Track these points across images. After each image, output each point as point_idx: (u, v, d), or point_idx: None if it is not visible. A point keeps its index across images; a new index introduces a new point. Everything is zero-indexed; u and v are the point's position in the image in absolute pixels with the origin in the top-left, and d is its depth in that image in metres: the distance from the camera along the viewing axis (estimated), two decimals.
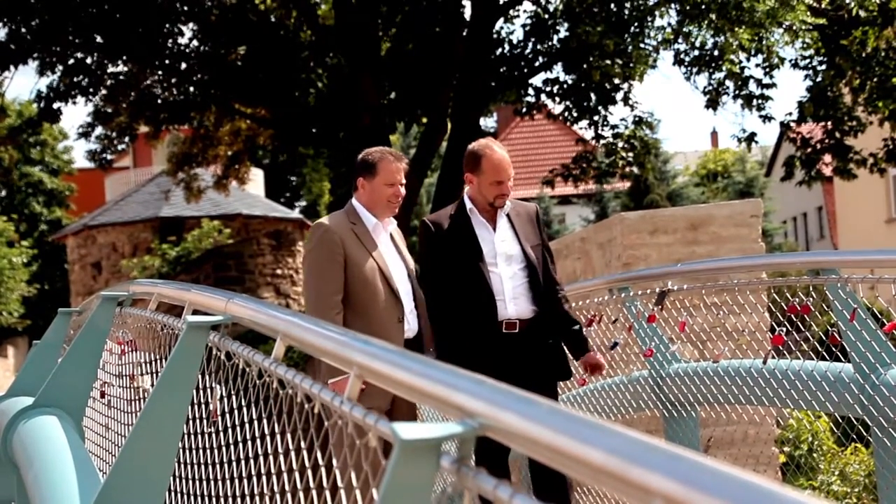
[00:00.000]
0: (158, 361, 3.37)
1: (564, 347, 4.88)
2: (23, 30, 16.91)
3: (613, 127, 17.37)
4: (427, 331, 4.78)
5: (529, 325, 4.75)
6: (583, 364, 4.91)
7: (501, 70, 17.45)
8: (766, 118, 16.51)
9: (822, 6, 15.12)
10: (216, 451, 2.71)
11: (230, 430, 2.61)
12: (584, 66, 15.74)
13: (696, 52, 15.91)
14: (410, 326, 4.66)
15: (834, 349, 5.09)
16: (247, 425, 2.49)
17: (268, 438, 2.30)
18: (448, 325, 4.73)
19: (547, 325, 4.79)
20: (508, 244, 4.82)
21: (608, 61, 15.15)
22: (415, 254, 5.06)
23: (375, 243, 4.67)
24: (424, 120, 18.82)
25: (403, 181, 4.70)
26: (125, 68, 18.16)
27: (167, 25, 17.61)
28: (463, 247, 4.76)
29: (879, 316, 5.08)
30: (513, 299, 4.73)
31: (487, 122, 35.70)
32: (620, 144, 17.30)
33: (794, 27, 14.49)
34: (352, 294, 4.55)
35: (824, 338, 5.20)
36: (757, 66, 16.19)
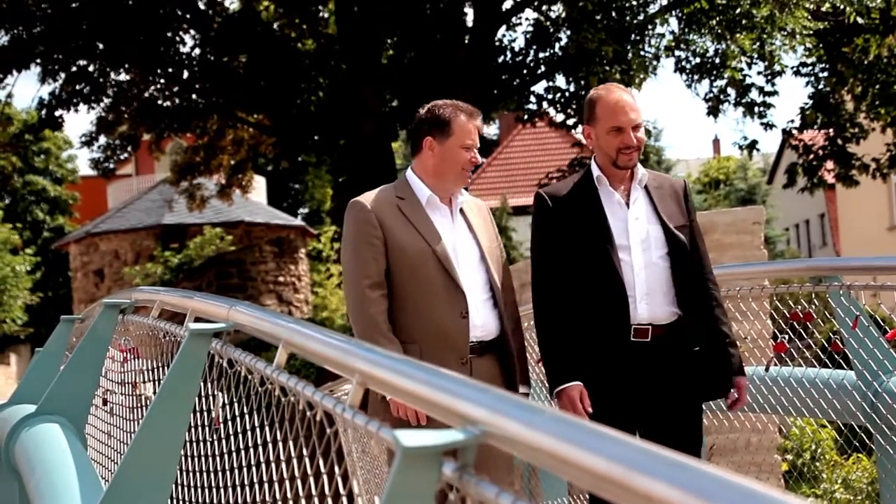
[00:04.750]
0: (161, 369, 3.37)
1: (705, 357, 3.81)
2: (25, 36, 16.94)
3: None
4: (514, 337, 3.80)
5: (665, 333, 3.71)
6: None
7: (503, 78, 17.47)
8: (768, 125, 16.51)
9: (823, 10, 15.13)
10: (218, 459, 2.70)
11: (232, 438, 2.61)
12: (584, 72, 15.76)
13: (698, 60, 15.93)
14: (480, 324, 3.69)
15: (836, 357, 5.09)
16: (249, 433, 2.49)
17: (270, 446, 2.30)
18: (559, 331, 3.72)
19: (690, 334, 3.73)
20: (644, 224, 3.78)
21: (607, 68, 15.17)
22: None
23: (430, 220, 3.73)
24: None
25: (478, 144, 3.81)
26: (127, 77, 18.19)
27: (169, 33, 17.63)
28: (585, 225, 3.74)
29: (882, 323, 5.08)
30: (645, 297, 3.70)
31: (490, 130, 35.73)
32: None
33: (795, 32, 14.50)
34: (397, 284, 3.67)
35: (827, 345, 5.19)
36: (759, 73, 16.20)
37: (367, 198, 3.78)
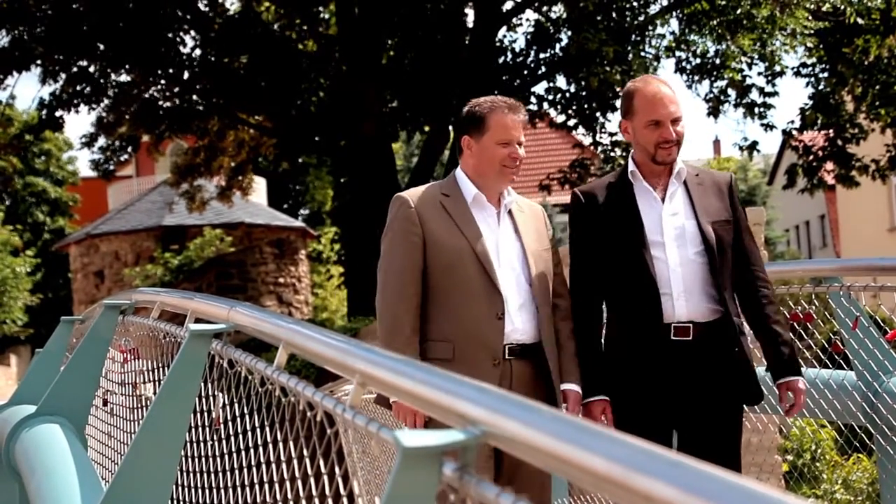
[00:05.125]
0: (161, 369, 3.37)
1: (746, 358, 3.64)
2: (26, 37, 16.95)
3: (612, 134, 17.41)
4: (567, 341, 3.68)
5: (707, 330, 3.56)
6: (783, 389, 3.66)
7: (504, 78, 17.48)
8: (769, 126, 16.52)
9: (823, 11, 15.14)
10: (219, 460, 2.70)
11: (233, 438, 2.61)
12: (584, 73, 15.78)
13: (698, 61, 15.93)
14: (517, 328, 3.59)
15: (837, 357, 5.09)
16: (249, 433, 2.49)
17: (270, 446, 2.30)
18: (590, 340, 3.64)
19: (732, 334, 3.58)
20: (681, 219, 3.63)
21: (608, 69, 15.18)
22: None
23: (473, 219, 3.66)
24: (427, 128, 18.84)
25: (522, 139, 3.69)
26: (128, 77, 18.20)
27: (170, 34, 17.64)
28: (618, 222, 3.63)
29: (882, 324, 5.07)
30: (683, 294, 3.55)
31: None
32: (619, 152, 17.32)
33: (795, 32, 14.52)
34: (432, 283, 3.60)
35: (827, 346, 5.19)
36: (759, 74, 16.21)
37: (411, 193, 3.71)
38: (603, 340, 3.70)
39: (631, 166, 3.69)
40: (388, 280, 3.60)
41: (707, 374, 3.56)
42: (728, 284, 3.60)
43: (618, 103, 17.15)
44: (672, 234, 3.60)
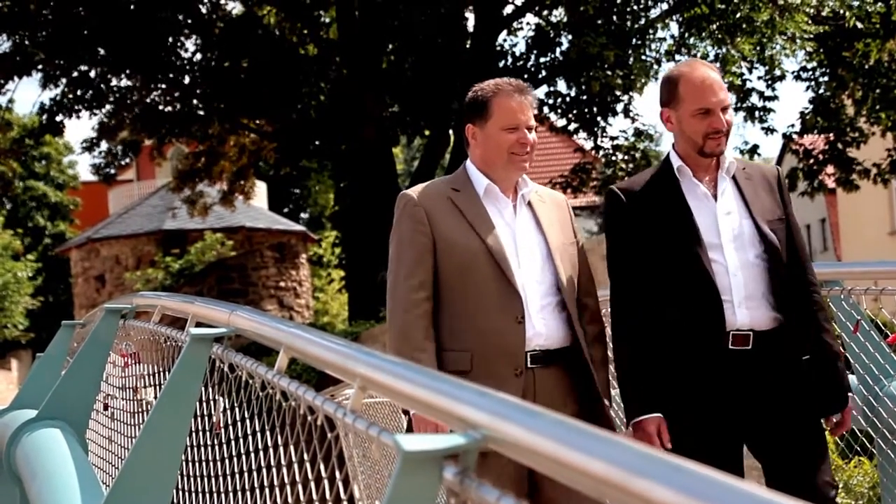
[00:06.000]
0: (162, 373, 3.37)
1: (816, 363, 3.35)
2: (27, 42, 16.97)
3: (613, 138, 17.43)
4: (595, 346, 3.38)
5: (768, 338, 3.28)
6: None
7: None
8: (769, 130, 16.54)
9: (823, 14, 15.16)
10: (219, 464, 2.70)
11: (233, 442, 2.61)
12: (585, 77, 15.80)
13: None
14: (540, 332, 3.27)
15: None
16: (250, 437, 2.49)
17: (271, 450, 2.30)
18: (638, 351, 3.30)
19: (796, 342, 3.31)
20: (737, 218, 3.33)
21: (609, 73, 15.19)
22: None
23: (485, 214, 3.33)
24: (427, 132, 18.85)
25: (532, 123, 3.35)
26: (129, 82, 18.23)
27: (171, 38, 17.66)
28: (668, 223, 3.30)
29: (883, 328, 5.07)
30: (744, 300, 3.26)
31: None
32: (620, 156, 17.34)
33: (795, 36, 14.53)
34: (444, 285, 3.29)
35: None
36: (759, 78, 16.23)
37: (417, 190, 3.39)
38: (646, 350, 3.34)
39: (676, 160, 3.35)
40: (396, 285, 3.31)
41: (771, 384, 3.26)
42: (789, 288, 3.31)
43: (619, 107, 17.21)
44: (729, 236, 3.29)
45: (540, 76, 17.52)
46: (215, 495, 2.72)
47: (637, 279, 3.33)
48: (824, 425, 3.44)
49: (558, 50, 17.41)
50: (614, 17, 15.50)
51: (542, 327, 3.27)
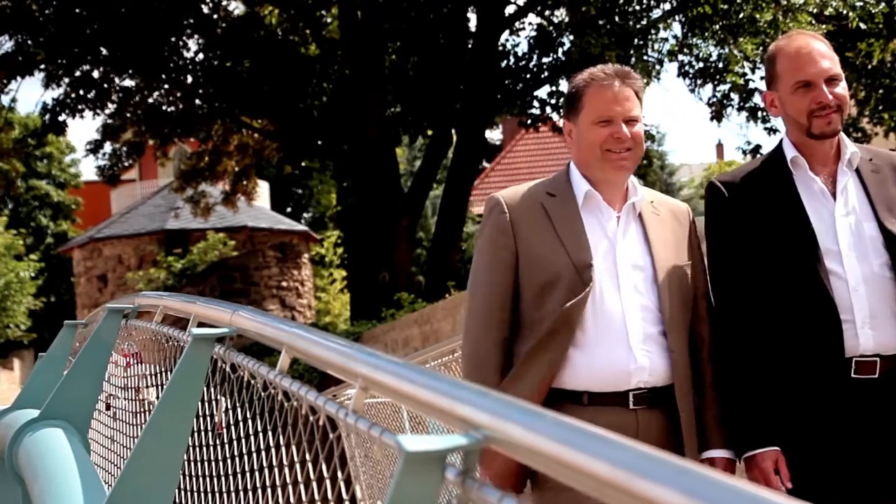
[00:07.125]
0: (164, 374, 3.37)
1: None
2: (29, 42, 17.00)
3: None
4: (709, 384, 2.85)
5: None
6: None
7: (506, 82, 17.50)
8: (772, 130, 16.54)
9: (826, 15, 15.17)
10: (221, 464, 2.70)
11: (235, 443, 2.61)
12: None
13: (701, 65, 15.96)
14: (647, 366, 2.78)
15: None
16: (252, 437, 2.49)
17: (273, 451, 2.30)
18: (748, 376, 2.80)
19: None
20: (858, 220, 2.80)
21: None
22: None
23: (580, 226, 2.84)
24: (430, 132, 18.86)
25: (633, 114, 2.85)
26: (132, 82, 18.26)
27: (173, 38, 17.68)
28: (778, 225, 2.80)
29: None
30: (868, 320, 2.74)
31: (493, 134, 35.80)
32: None
33: None
34: (525, 308, 2.84)
35: None
36: (762, 78, 16.22)
37: (507, 193, 2.93)
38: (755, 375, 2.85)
39: (790, 150, 2.85)
40: (473, 305, 2.89)
41: None
42: None
43: None
44: (849, 242, 2.78)
45: (542, 76, 17.52)
46: (217, 495, 2.72)
47: (743, 290, 2.84)
48: None
49: (560, 50, 17.42)
50: (616, 18, 15.51)
51: (647, 361, 2.79)
